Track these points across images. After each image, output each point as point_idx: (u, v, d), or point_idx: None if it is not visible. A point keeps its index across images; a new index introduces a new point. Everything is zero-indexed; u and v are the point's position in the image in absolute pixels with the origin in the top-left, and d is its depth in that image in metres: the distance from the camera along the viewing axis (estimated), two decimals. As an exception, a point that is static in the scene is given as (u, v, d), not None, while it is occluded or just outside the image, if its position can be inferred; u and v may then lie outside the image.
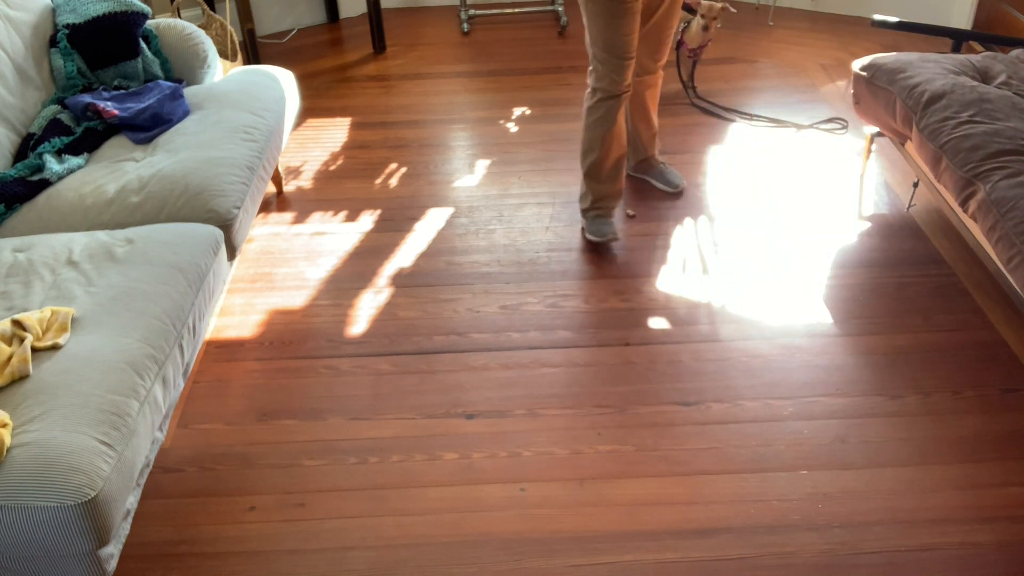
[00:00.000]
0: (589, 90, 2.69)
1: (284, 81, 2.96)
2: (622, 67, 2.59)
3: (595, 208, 2.86)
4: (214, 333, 2.56)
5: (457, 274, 2.78)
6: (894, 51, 3.31)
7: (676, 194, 3.14)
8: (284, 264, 2.85)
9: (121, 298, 1.91)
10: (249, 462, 2.14)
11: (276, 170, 3.18)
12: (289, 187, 3.29)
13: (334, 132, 3.69)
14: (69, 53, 2.74)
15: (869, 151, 3.03)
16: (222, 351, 2.49)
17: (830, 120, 3.60)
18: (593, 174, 2.80)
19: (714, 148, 3.46)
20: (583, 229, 2.92)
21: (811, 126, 3.57)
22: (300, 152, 3.54)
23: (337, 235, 3.00)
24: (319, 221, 3.08)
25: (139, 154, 2.49)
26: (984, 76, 2.70)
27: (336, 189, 3.27)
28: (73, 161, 2.42)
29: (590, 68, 2.65)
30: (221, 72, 3.12)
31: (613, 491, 2.03)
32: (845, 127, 3.55)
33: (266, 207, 3.17)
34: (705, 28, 3.53)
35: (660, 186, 3.16)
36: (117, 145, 2.54)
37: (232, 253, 2.36)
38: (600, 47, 2.57)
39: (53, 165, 2.37)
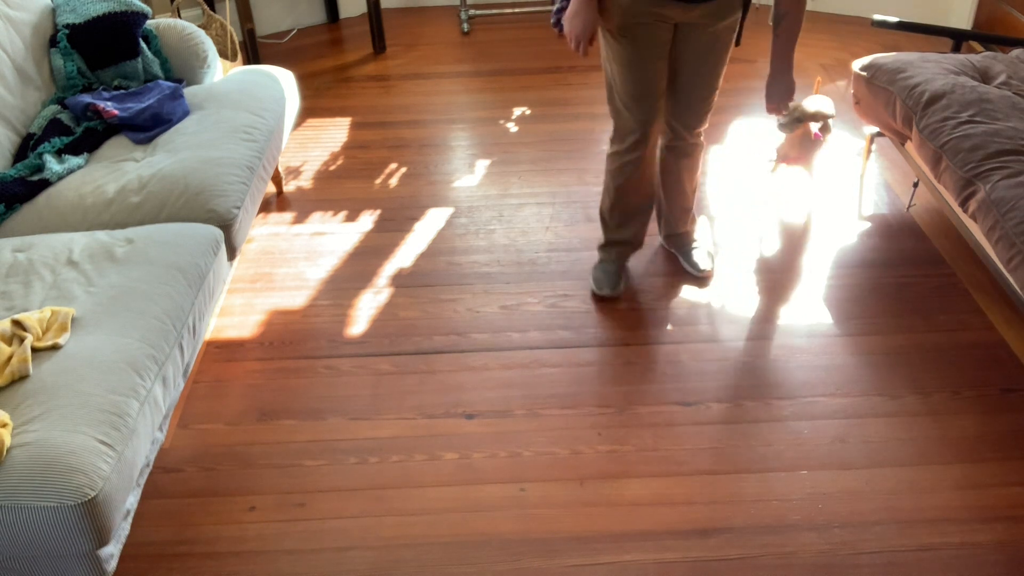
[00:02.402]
0: (610, 137, 2.48)
1: (284, 81, 2.96)
2: (633, 119, 2.34)
3: (602, 250, 2.66)
4: (214, 333, 2.56)
5: (457, 274, 2.78)
6: (894, 51, 3.31)
7: (699, 278, 2.73)
8: (284, 264, 2.85)
9: (121, 298, 1.91)
10: (249, 462, 2.14)
11: (276, 170, 3.18)
12: (289, 187, 3.29)
13: (334, 132, 3.69)
14: (69, 53, 2.74)
15: (869, 151, 3.03)
16: (222, 351, 2.49)
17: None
18: (602, 215, 2.62)
19: (714, 148, 3.46)
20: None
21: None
22: (300, 152, 3.54)
23: (337, 235, 3.00)
24: (319, 221, 3.08)
25: (139, 154, 2.49)
26: (984, 76, 2.70)
27: (336, 189, 3.27)
28: (73, 161, 2.42)
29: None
30: (221, 72, 3.12)
31: (613, 491, 2.03)
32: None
33: (266, 207, 3.17)
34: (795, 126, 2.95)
35: (686, 267, 2.75)
36: (117, 145, 2.53)
37: (232, 253, 2.36)
38: (612, 92, 2.35)
39: (53, 165, 2.37)
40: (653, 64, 2.26)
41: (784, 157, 3.03)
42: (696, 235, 2.78)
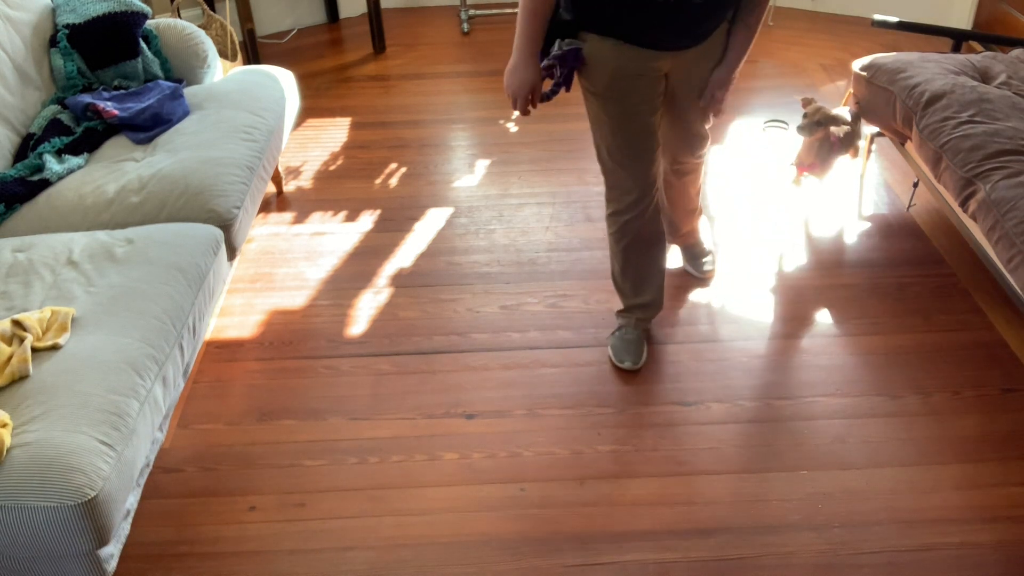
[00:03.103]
0: (604, 197, 2.29)
1: (284, 81, 2.96)
2: (631, 177, 2.14)
3: (620, 317, 2.45)
4: (214, 333, 2.56)
5: (457, 274, 2.78)
6: (894, 51, 3.31)
7: (700, 279, 2.72)
8: (284, 264, 2.85)
9: (121, 298, 1.91)
10: (249, 462, 2.14)
11: (276, 170, 3.18)
12: (289, 187, 3.29)
13: (334, 132, 3.69)
14: (69, 53, 2.74)
15: (869, 151, 3.03)
16: (222, 351, 2.49)
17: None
18: (614, 280, 2.42)
19: (713, 148, 3.46)
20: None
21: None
22: (300, 152, 3.53)
23: (337, 235, 3.00)
24: (319, 221, 3.08)
25: (139, 154, 2.49)
26: (984, 76, 2.70)
27: (336, 189, 3.27)
28: (73, 161, 2.42)
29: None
30: (221, 72, 3.12)
31: (613, 491, 2.03)
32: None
33: (266, 207, 3.17)
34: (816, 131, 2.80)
35: (688, 267, 2.74)
36: (117, 145, 2.53)
37: (232, 253, 2.36)
38: (603, 151, 2.16)
39: (53, 165, 2.37)
40: (649, 117, 2.10)
41: (799, 163, 2.94)
42: (700, 236, 2.77)
